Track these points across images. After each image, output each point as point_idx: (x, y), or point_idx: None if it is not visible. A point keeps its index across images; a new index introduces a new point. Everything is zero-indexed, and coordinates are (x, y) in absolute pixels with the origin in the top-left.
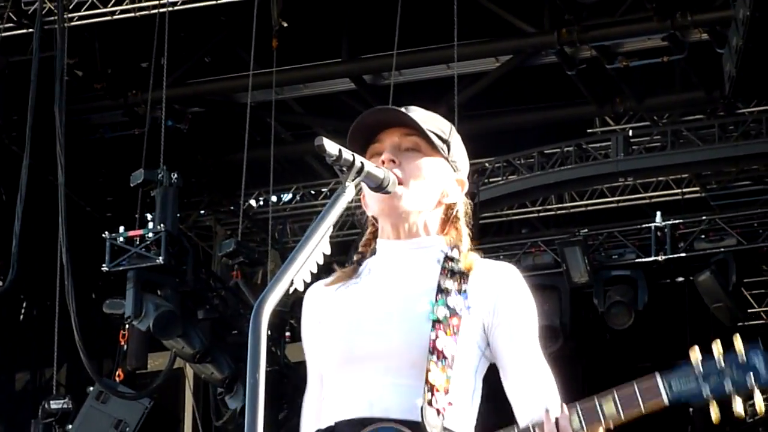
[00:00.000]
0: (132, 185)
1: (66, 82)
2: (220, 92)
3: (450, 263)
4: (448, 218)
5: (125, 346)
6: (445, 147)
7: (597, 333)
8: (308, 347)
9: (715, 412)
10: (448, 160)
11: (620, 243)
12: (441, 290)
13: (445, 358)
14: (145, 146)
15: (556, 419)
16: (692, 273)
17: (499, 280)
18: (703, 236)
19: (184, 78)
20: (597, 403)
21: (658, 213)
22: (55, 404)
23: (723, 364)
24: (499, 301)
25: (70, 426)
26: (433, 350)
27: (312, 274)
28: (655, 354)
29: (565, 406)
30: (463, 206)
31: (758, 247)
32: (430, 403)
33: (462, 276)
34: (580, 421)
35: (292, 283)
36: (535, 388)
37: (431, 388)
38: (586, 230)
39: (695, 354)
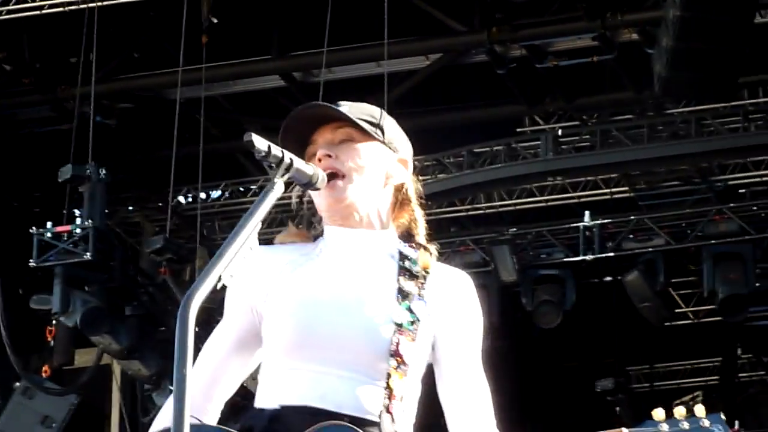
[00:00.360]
0: (60, 180)
1: None
2: (149, 88)
3: (407, 262)
4: (399, 200)
5: (52, 342)
6: (378, 131)
7: (526, 331)
8: (241, 306)
9: None
10: (384, 143)
11: (549, 242)
12: (402, 293)
13: (405, 364)
14: (73, 142)
15: None
16: (620, 272)
17: (455, 289)
18: (631, 236)
19: (113, 73)
20: None
21: (587, 212)
22: None
23: (687, 427)
24: (453, 310)
25: None
26: (395, 355)
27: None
28: (583, 353)
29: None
30: (412, 185)
31: (686, 247)
32: (387, 408)
33: (420, 279)
34: None
35: (219, 279)
36: (471, 398)
37: (390, 394)
38: (514, 229)
39: (659, 415)
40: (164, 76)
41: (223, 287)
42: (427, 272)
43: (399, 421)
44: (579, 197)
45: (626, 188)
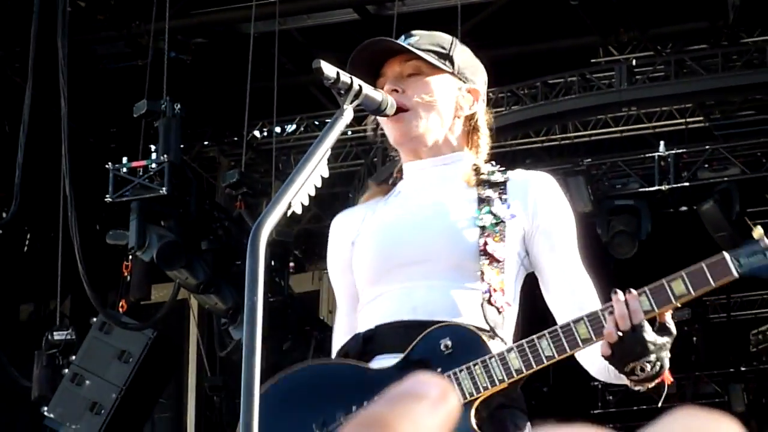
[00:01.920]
0: (135, 116)
1: (68, 13)
2: (223, 23)
3: (483, 175)
4: (471, 129)
5: (128, 277)
6: (446, 62)
7: (601, 262)
8: (338, 268)
9: None
10: (454, 74)
11: (624, 173)
12: (482, 200)
13: (497, 261)
14: (148, 77)
15: (626, 300)
16: (695, 202)
17: (537, 188)
18: (706, 166)
19: (187, 8)
20: (666, 285)
21: (662, 143)
22: (58, 335)
23: None
24: (539, 209)
25: (73, 357)
26: (485, 254)
27: (311, 197)
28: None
29: (632, 290)
30: (483, 115)
31: (761, 177)
32: (489, 301)
33: (499, 185)
34: (650, 302)
35: (290, 206)
36: (576, 295)
37: (489, 288)
38: (589, 160)
39: (758, 231)
40: (238, 10)
41: (293, 215)
42: (507, 178)
43: (506, 315)
44: (654, 127)
45: (701, 118)
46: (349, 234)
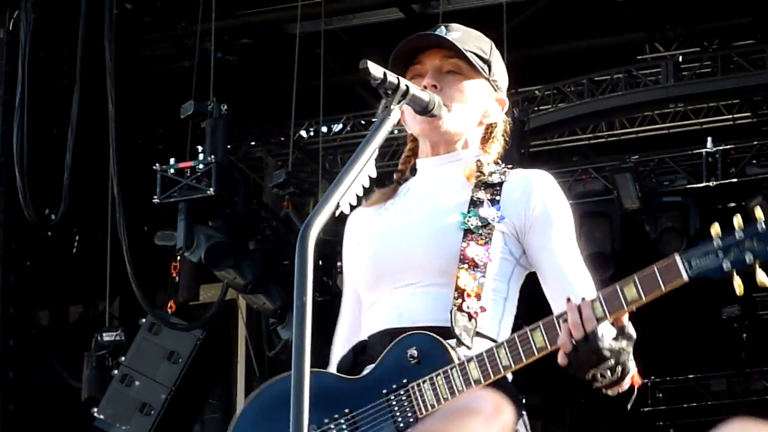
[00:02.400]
0: (182, 117)
1: (116, 15)
2: (269, 23)
3: (483, 175)
4: (488, 136)
5: (177, 278)
6: (486, 67)
7: (649, 259)
8: (346, 268)
9: (738, 285)
10: (489, 81)
11: (671, 169)
12: (473, 202)
13: (476, 265)
14: (194, 78)
15: (579, 308)
16: (744, 198)
17: (531, 185)
18: (754, 161)
19: (233, 9)
20: (618, 289)
21: (709, 139)
22: (108, 336)
23: (742, 235)
24: (535, 206)
25: (123, 357)
26: (464, 258)
27: (358, 197)
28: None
29: (586, 297)
30: (502, 125)
31: None
32: (460, 308)
33: (494, 186)
34: (603, 308)
35: (338, 206)
36: (573, 290)
37: (461, 293)
38: (636, 157)
39: (715, 229)
40: (284, 11)
41: (342, 215)
42: (503, 179)
43: (480, 319)
44: (701, 123)
45: (748, 113)
46: (356, 234)
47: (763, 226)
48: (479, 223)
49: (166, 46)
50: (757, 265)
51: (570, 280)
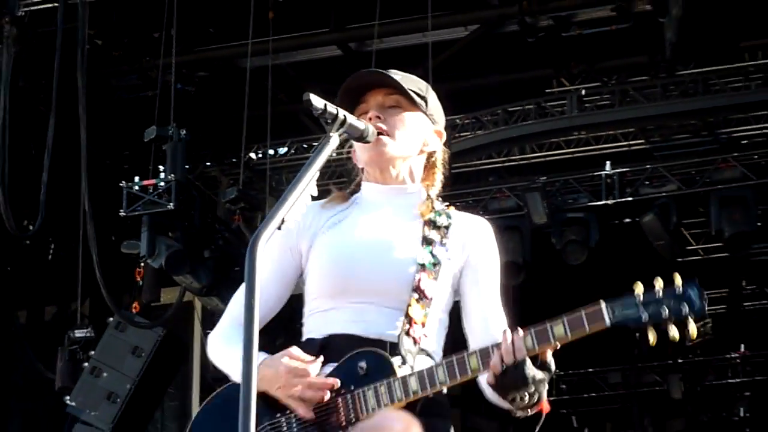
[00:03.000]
0: (146, 140)
1: (87, 50)
2: (223, 58)
3: (432, 213)
4: (429, 165)
5: (141, 282)
6: (423, 102)
7: (555, 268)
8: (279, 252)
9: (652, 335)
10: (426, 114)
11: (575, 189)
12: (426, 240)
13: (426, 297)
14: (157, 106)
15: (512, 339)
16: (638, 215)
17: (474, 233)
18: (647, 182)
19: (191, 45)
20: (548, 327)
21: (608, 162)
22: (79, 333)
23: (662, 294)
24: (472, 251)
25: (92, 352)
26: (417, 289)
27: (301, 214)
28: (606, 286)
29: (520, 329)
30: (441, 154)
31: (696, 192)
32: (407, 333)
33: (443, 228)
34: (533, 341)
35: (283, 221)
36: (489, 325)
37: (410, 320)
38: (545, 178)
39: (638, 287)
40: (236, 47)
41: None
42: (450, 223)
43: (423, 343)
44: (601, 149)
45: (642, 140)
46: (309, 233)
47: (680, 290)
48: (432, 260)
49: (132, 78)
50: (671, 322)
51: (489, 316)
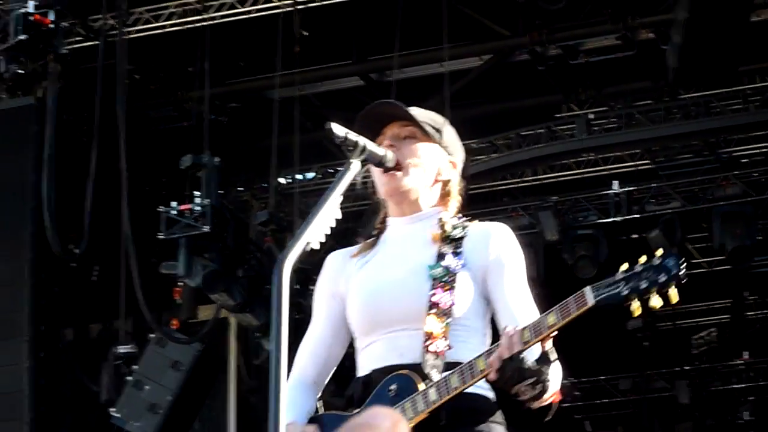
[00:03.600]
0: (182, 168)
1: (126, 84)
2: (253, 90)
3: (446, 231)
4: (445, 194)
5: (179, 300)
6: (437, 134)
7: (567, 282)
8: (324, 296)
9: (635, 308)
10: (440, 145)
11: (585, 207)
12: (440, 255)
13: (442, 309)
14: (192, 135)
15: (510, 335)
16: (644, 231)
17: (488, 235)
18: (653, 200)
19: (223, 79)
20: (543, 317)
21: (616, 182)
22: (122, 349)
23: (641, 269)
24: (493, 251)
25: (135, 366)
26: (431, 304)
27: (326, 235)
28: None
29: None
30: (457, 183)
31: (699, 209)
32: (427, 348)
33: (457, 241)
34: (531, 333)
35: (308, 243)
36: (516, 318)
37: (429, 335)
38: (556, 197)
39: (624, 266)
40: (265, 79)
41: (312, 249)
42: (465, 234)
43: (450, 354)
44: (609, 169)
45: (648, 161)
46: (343, 278)
47: (659, 261)
48: (443, 272)
49: (168, 109)
50: (652, 292)
51: (516, 316)
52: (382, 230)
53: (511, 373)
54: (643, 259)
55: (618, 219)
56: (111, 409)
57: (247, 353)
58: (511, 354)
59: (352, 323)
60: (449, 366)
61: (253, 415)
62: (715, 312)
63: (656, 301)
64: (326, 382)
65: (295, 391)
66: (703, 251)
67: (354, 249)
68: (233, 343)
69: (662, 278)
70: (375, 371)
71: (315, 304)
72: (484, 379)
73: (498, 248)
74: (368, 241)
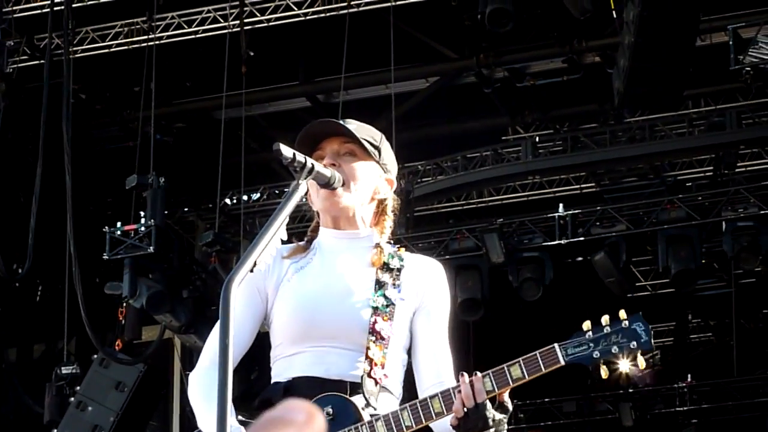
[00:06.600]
0: (127, 188)
1: (72, 103)
2: (199, 110)
3: (384, 257)
4: (380, 211)
5: (123, 321)
6: (376, 152)
7: (512, 304)
8: (248, 294)
9: (604, 371)
10: (379, 163)
11: (530, 230)
12: (379, 283)
13: (382, 338)
14: (137, 156)
15: (471, 382)
16: (589, 254)
17: (426, 275)
18: (598, 223)
19: (169, 99)
20: (506, 369)
21: (561, 204)
22: (66, 370)
23: (609, 330)
24: (425, 293)
25: (78, 387)
26: (372, 332)
27: (272, 256)
28: (560, 321)
29: (479, 372)
30: (391, 201)
31: (644, 232)
32: (369, 374)
33: (395, 271)
34: (492, 384)
35: (255, 264)
36: (437, 363)
37: (371, 362)
38: (501, 219)
39: (587, 325)
40: (211, 100)
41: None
42: (402, 265)
43: (384, 383)
44: (554, 192)
45: (593, 184)
46: (273, 280)
47: (626, 323)
48: (384, 302)
49: (113, 129)
50: (621, 356)
51: (437, 355)
52: (314, 237)
53: (475, 422)
54: (606, 319)
55: (563, 242)
56: (54, 431)
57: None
58: (475, 403)
59: (276, 328)
60: (382, 391)
61: None
62: (658, 335)
63: (625, 367)
64: None
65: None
66: (647, 274)
67: (286, 250)
68: (177, 363)
69: (632, 345)
70: (297, 379)
71: (240, 288)
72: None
73: (433, 290)
74: (301, 244)
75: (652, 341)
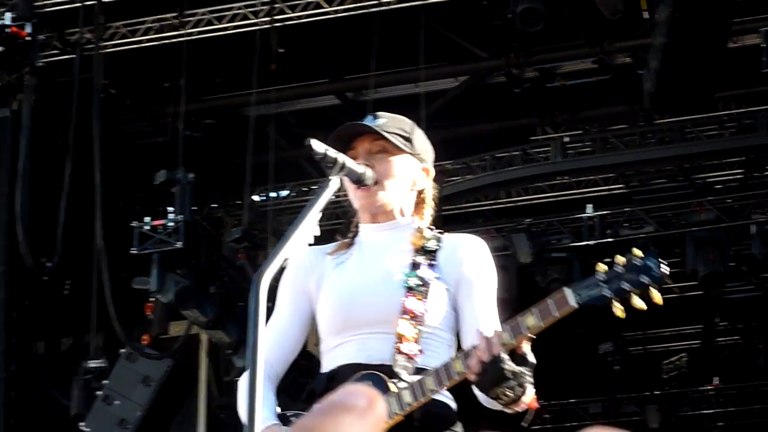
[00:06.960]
0: (156, 183)
1: (102, 98)
2: (228, 106)
3: (423, 240)
4: (420, 201)
5: (150, 316)
6: (408, 144)
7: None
8: (292, 291)
9: (617, 309)
10: (412, 154)
11: (558, 230)
12: (414, 265)
13: (415, 316)
14: (167, 151)
15: (488, 338)
16: (617, 255)
17: (464, 248)
18: (626, 224)
19: (198, 95)
20: (519, 319)
21: (589, 205)
22: (93, 364)
23: (622, 269)
24: (465, 267)
25: (105, 381)
26: (404, 311)
27: (308, 257)
28: (587, 321)
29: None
30: (430, 190)
31: (672, 234)
32: (399, 350)
33: (431, 253)
34: (509, 335)
35: (286, 260)
36: (479, 333)
37: (400, 338)
38: (530, 220)
39: (601, 266)
40: (241, 97)
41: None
42: (440, 246)
43: (420, 359)
44: (583, 193)
45: (622, 185)
46: (316, 276)
47: (639, 262)
48: (418, 282)
49: (143, 125)
50: (633, 293)
51: (484, 327)
52: (356, 233)
53: (492, 375)
54: (621, 259)
55: (591, 243)
56: (80, 424)
57: (217, 370)
58: (492, 357)
59: (321, 322)
60: (418, 371)
61: (223, 431)
62: (686, 337)
63: (639, 303)
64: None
65: (265, 388)
66: (675, 276)
67: (330, 247)
68: (204, 359)
69: (644, 279)
70: (341, 367)
71: (281, 294)
72: (446, 389)
73: (471, 261)
74: (345, 241)
75: (665, 273)
